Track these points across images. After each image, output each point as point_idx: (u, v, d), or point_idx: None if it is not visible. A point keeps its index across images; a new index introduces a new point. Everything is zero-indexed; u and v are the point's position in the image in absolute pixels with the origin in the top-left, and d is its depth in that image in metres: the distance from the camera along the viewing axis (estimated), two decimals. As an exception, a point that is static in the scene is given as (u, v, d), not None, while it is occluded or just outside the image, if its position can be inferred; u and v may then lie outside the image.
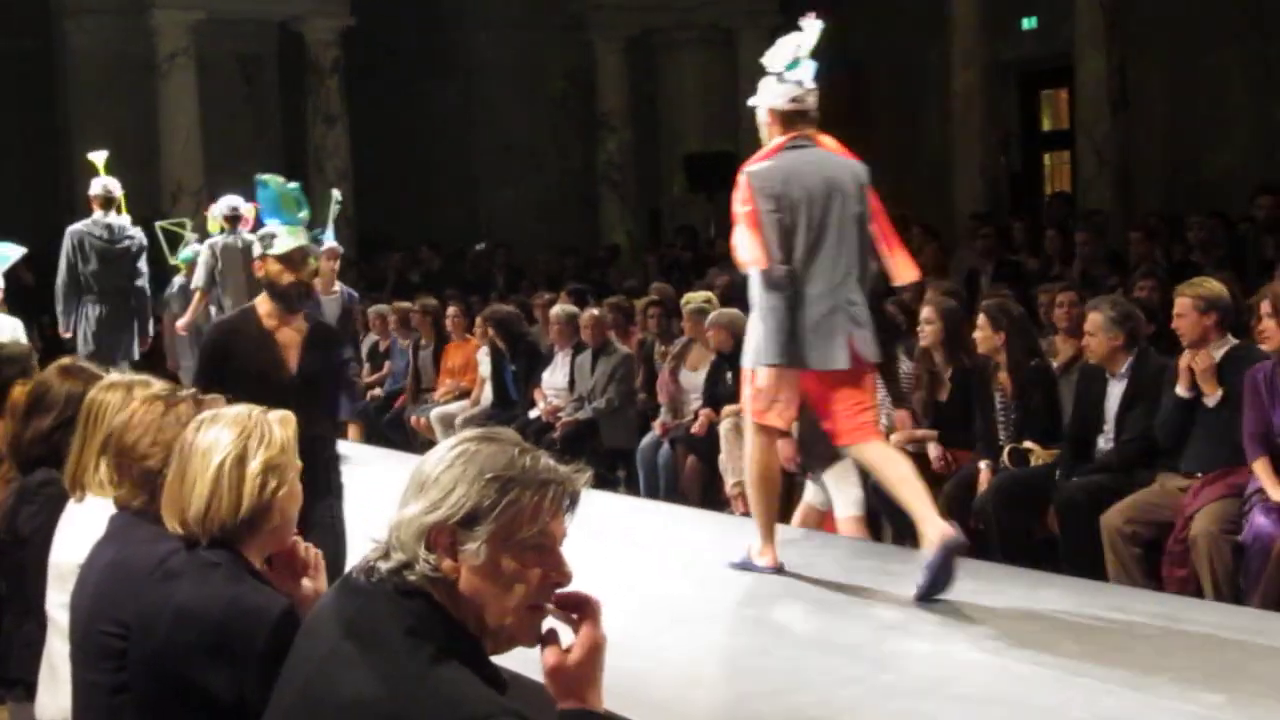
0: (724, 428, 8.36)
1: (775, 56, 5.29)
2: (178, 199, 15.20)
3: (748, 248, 5.10)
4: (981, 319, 7.04)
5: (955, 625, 4.72)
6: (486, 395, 10.75)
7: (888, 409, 7.21)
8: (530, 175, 18.51)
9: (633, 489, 9.18)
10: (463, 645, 2.18)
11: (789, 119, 5.22)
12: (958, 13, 14.15)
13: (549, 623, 2.28)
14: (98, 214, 10.01)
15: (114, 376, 3.47)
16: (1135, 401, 6.36)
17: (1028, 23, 15.35)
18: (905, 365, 7.46)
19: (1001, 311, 7.08)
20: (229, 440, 2.71)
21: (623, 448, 9.51)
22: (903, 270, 5.42)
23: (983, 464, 6.87)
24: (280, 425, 2.79)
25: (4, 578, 3.88)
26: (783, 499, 8.06)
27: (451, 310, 11.57)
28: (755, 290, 5.18)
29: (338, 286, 9.66)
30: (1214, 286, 6.16)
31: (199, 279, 10.35)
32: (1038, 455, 6.82)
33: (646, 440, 9.17)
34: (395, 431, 11.33)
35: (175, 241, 11.49)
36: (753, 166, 5.15)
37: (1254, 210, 10.42)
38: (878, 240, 5.29)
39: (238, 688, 2.55)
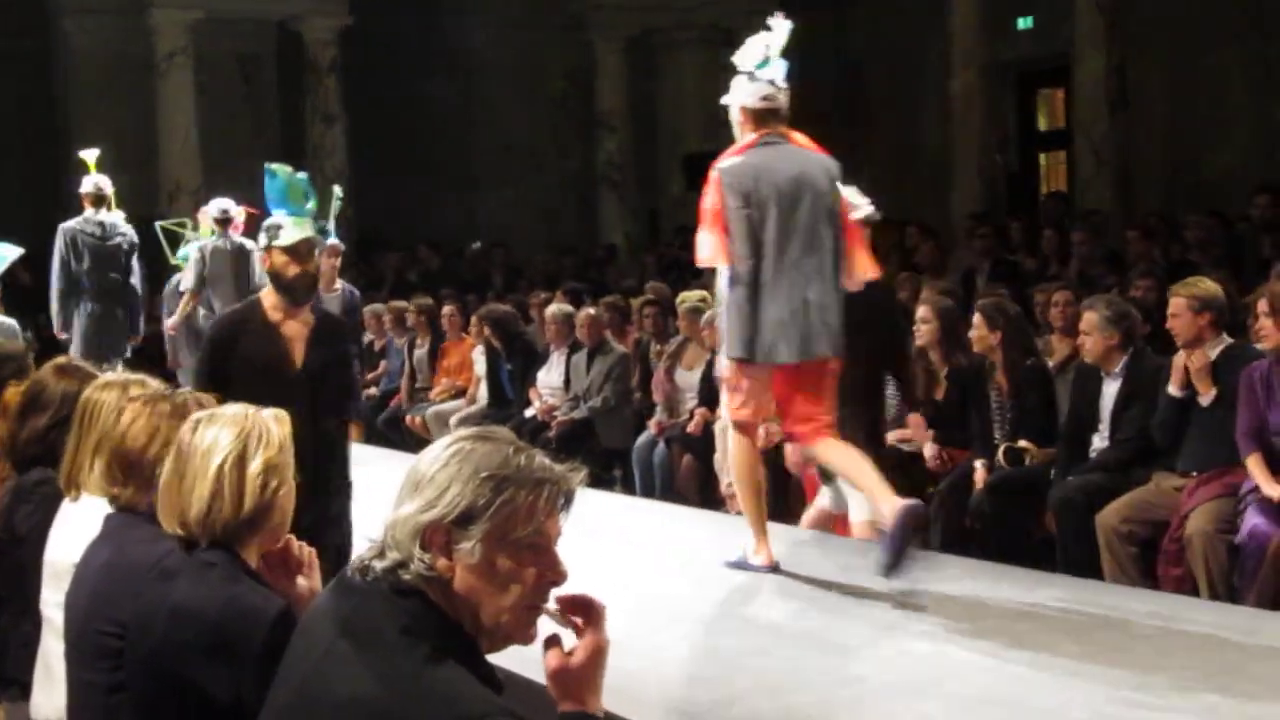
0: (719, 427, 8.35)
1: (746, 56, 5.34)
2: (176, 198, 15.20)
3: (707, 245, 5.21)
4: (978, 318, 7.05)
5: (952, 625, 4.73)
6: (482, 394, 10.76)
7: (895, 411, 7.21)
8: (529, 175, 18.50)
9: (629, 488, 9.18)
10: (458, 644, 2.18)
11: (761, 117, 5.27)
12: (956, 13, 14.15)
13: (553, 628, 2.28)
14: (89, 211, 10.06)
15: (109, 376, 3.46)
16: (1131, 401, 6.36)
17: (1024, 23, 15.36)
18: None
19: (998, 311, 7.09)
20: (228, 441, 2.71)
21: (618, 447, 9.51)
22: (861, 268, 5.45)
23: (978, 463, 6.88)
24: (277, 424, 2.80)
25: (0, 577, 3.87)
26: (778, 498, 8.08)
27: (448, 309, 11.57)
28: (722, 286, 5.25)
29: (339, 284, 9.65)
30: (1208, 286, 6.16)
31: (188, 280, 10.44)
32: (1033, 455, 6.83)
33: (642, 439, 9.17)
34: (391, 431, 11.34)
35: (176, 241, 11.50)
36: (724, 163, 5.22)
37: (1252, 210, 10.43)
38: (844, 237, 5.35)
39: (234, 688, 2.55)
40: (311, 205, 5.19)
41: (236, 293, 10.27)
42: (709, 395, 8.66)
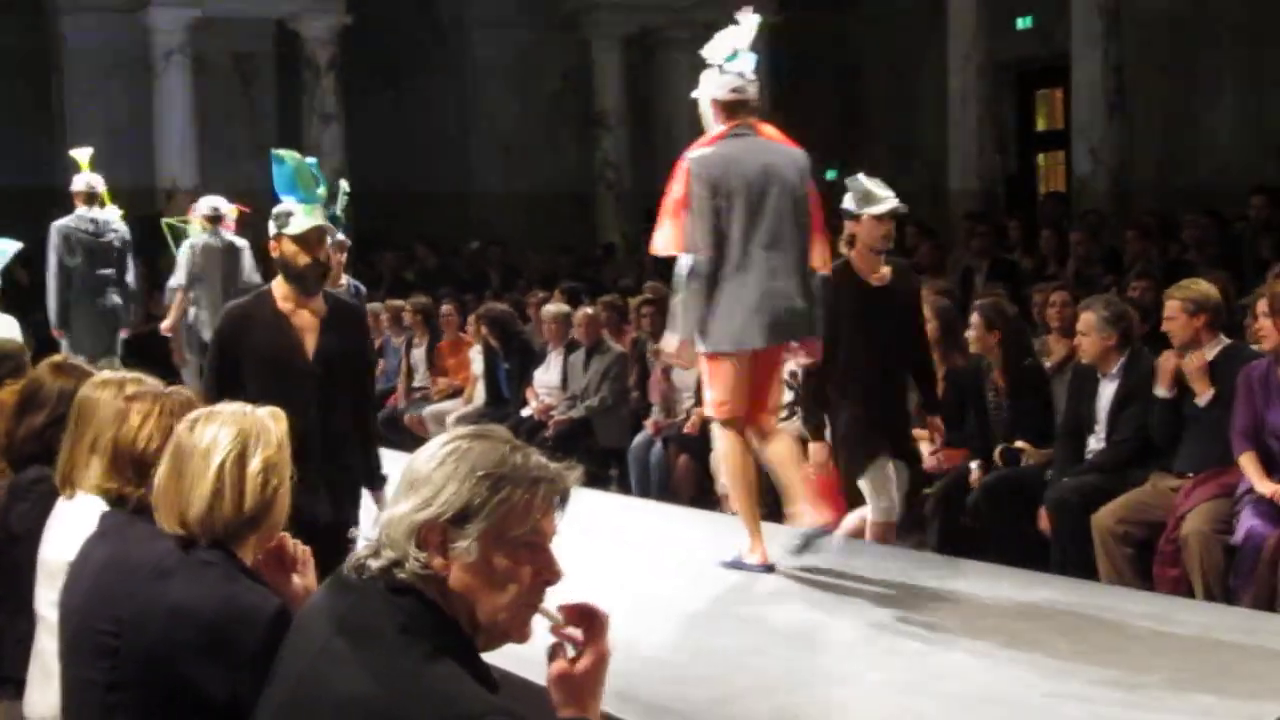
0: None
1: (715, 49, 5.43)
2: (172, 196, 15.19)
3: (664, 234, 5.33)
4: (975, 318, 7.05)
5: (948, 625, 4.73)
6: (479, 394, 10.75)
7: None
8: (525, 173, 18.50)
9: (625, 488, 9.18)
10: (455, 643, 2.18)
11: (730, 109, 5.36)
12: (954, 13, 14.16)
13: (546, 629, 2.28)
14: (82, 209, 10.14)
15: (106, 374, 3.45)
16: (1128, 401, 6.37)
17: (1023, 23, 15.36)
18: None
19: (996, 311, 7.09)
20: (228, 439, 2.71)
21: (615, 446, 9.51)
22: (819, 260, 5.57)
23: (975, 463, 6.88)
24: (274, 421, 2.80)
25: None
26: (776, 497, 8.08)
27: (445, 308, 11.57)
28: (680, 274, 5.34)
29: (344, 279, 9.65)
30: (1203, 288, 6.17)
31: (179, 278, 10.52)
32: (1030, 455, 6.84)
33: (639, 439, 9.17)
34: (388, 430, 11.31)
35: (181, 237, 11.54)
36: (694, 152, 5.32)
37: (1248, 211, 10.44)
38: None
39: (231, 686, 2.54)
40: (322, 191, 4.97)
41: (224, 290, 10.36)
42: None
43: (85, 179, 10.18)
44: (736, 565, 5.50)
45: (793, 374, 8.34)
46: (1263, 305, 5.79)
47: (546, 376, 10.11)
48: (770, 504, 8.07)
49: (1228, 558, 5.65)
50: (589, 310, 9.95)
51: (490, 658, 2.26)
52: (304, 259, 4.76)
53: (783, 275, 5.27)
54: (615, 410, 9.59)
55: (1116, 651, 4.41)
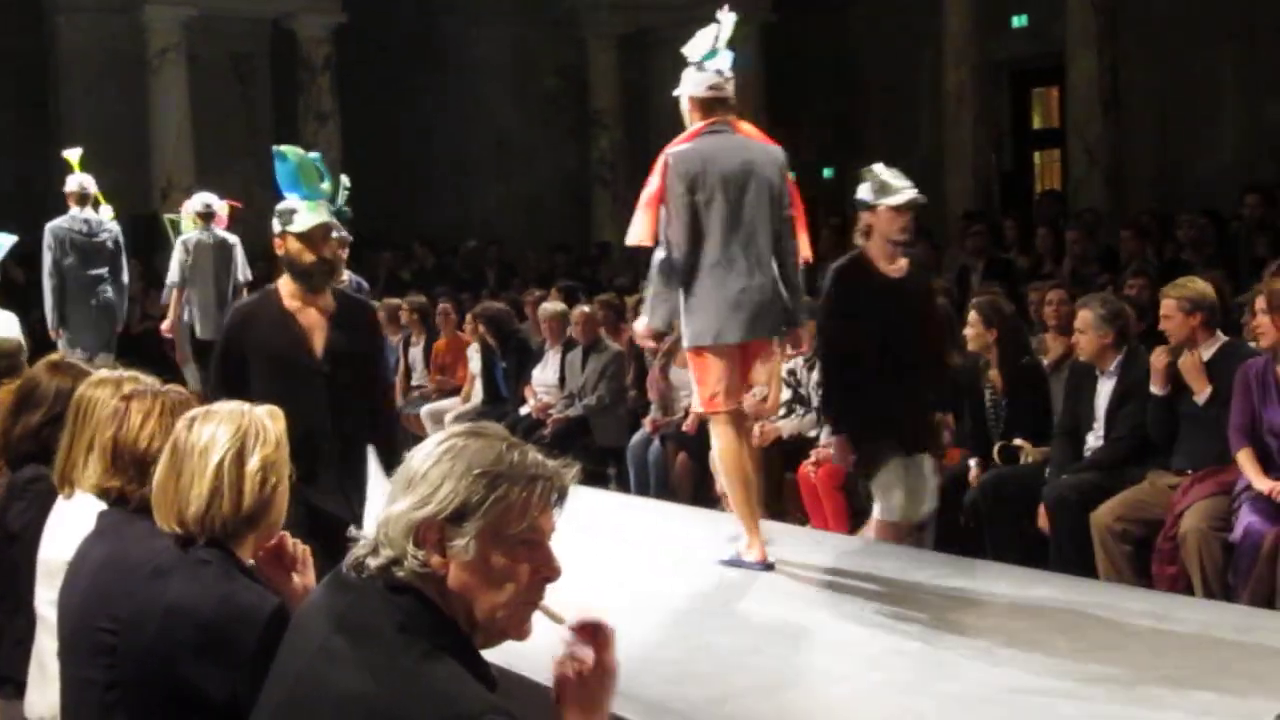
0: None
1: (694, 47, 5.51)
2: (168, 195, 15.18)
3: (637, 225, 5.42)
4: (973, 316, 7.04)
5: (946, 623, 4.73)
6: (477, 392, 10.75)
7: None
8: (522, 172, 18.49)
9: (623, 486, 9.18)
10: (453, 641, 2.17)
11: (708, 105, 5.44)
12: (950, 12, 14.16)
13: (551, 626, 2.28)
14: (75, 210, 10.20)
15: (103, 373, 3.45)
16: (1125, 399, 6.37)
17: (1019, 21, 15.37)
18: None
19: (993, 309, 7.09)
20: (226, 438, 2.70)
21: (613, 445, 9.50)
22: (801, 250, 5.66)
23: (973, 461, 6.88)
24: (272, 420, 2.79)
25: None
26: (774, 496, 8.06)
27: (442, 307, 11.56)
28: (654, 266, 5.43)
29: (346, 275, 9.65)
30: (1198, 286, 6.17)
31: (173, 276, 10.62)
32: (1028, 453, 6.84)
33: (637, 437, 9.17)
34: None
35: (181, 233, 11.57)
36: (673, 149, 5.38)
37: (1243, 210, 10.45)
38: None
39: (229, 686, 2.54)
40: (326, 186, 4.87)
41: (217, 287, 10.45)
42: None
43: (78, 180, 10.23)
44: (735, 563, 5.50)
45: (790, 372, 8.36)
46: (1261, 302, 5.79)
47: (544, 375, 10.11)
48: (768, 503, 8.09)
49: (1226, 555, 5.65)
50: (586, 309, 9.95)
51: (489, 655, 2.26)
52: (309, 256, 4.69)
53: (760, 271, 5.35)
54: (613, 409, 9.58)
55: (1115, 649, 4.41)
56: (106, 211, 10.47)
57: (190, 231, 10.60)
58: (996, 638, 4.54)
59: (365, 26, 16.81)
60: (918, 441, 5.89)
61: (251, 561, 2.79)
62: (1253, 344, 6.09)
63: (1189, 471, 6.02)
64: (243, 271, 10.90)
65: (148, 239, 14.71)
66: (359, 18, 16.70)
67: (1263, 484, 5.57)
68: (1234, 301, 7.23)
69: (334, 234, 4.79)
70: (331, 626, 2.18)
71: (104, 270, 10.30)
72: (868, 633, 4.71)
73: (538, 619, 2.26)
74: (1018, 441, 6.86)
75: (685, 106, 5.51)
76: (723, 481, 5.63)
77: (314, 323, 4.72)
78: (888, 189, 5.75)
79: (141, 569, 2.71)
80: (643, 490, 8.84)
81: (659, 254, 5.40)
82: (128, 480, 2.98)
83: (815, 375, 8.26)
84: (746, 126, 5.55)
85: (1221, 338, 6.14)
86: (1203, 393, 6.00)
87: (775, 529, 6.17)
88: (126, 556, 2.77)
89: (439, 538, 2.16)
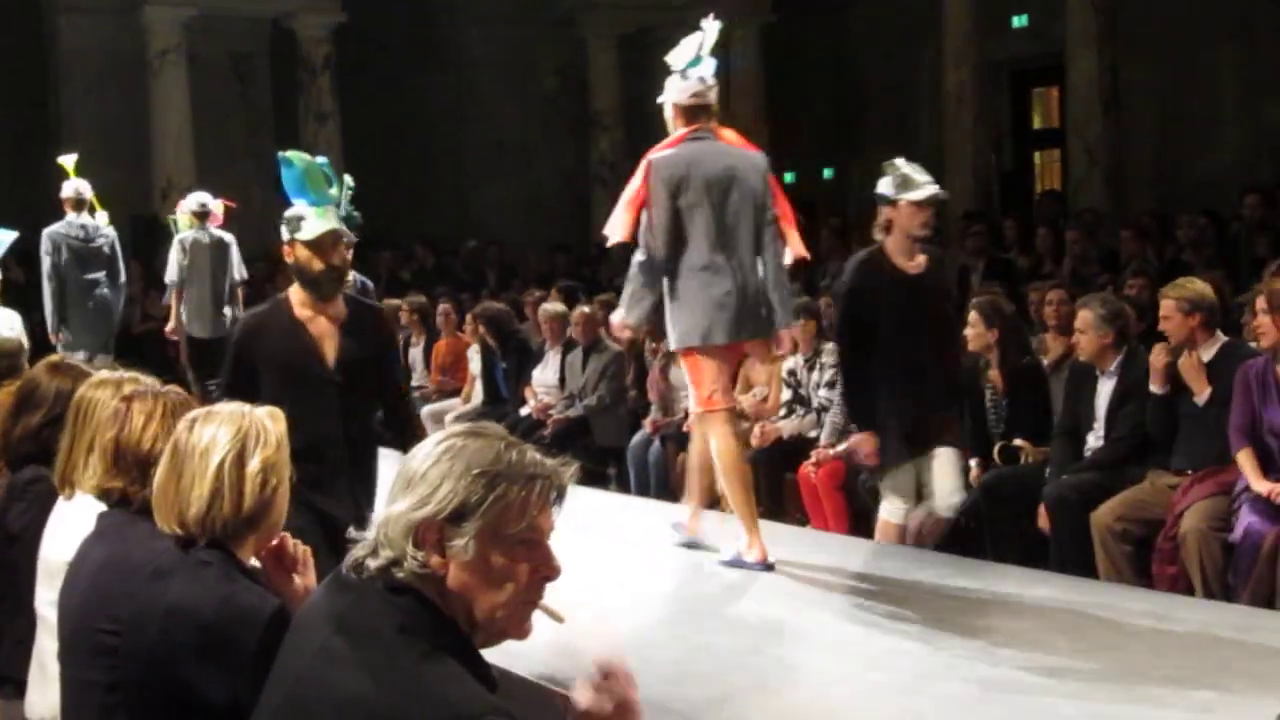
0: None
1: (678, 55, 5.57)
2: (169, 196, 15.19)
3: (615, 222, 5.51)
4: (974, 316, 7.04)
5: (945, 623, 4.73)
6: (477, 393, 10.75)
7: None
8: (521, 172, 18.49)
9: (623, 486, 9.18)
10: (453, 642, 2.17)
11: (691, 113, 5.51)
12: (950, 12, 14.16)
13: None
14: (71, 216, 10.31)
15: (104, 374, 3.45)
16: (1125, 399, 6.37)
17: (1019, 21, 15.37)
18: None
19: (993, 309, 7.09)
20: (227, 439, 2.70)
21: (613, 445, 9.50)
22: (794, 248, 5.68)
23: (973, 462, 6.88)
24: (273, 421, 2.79)
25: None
26: (774, 497, 8.06)
27: (443, 307, 11.56)
28: (634, 266, 5.50)
29: (351, 275, 9.65)
30: (1197, 287, 6.16)
31: (172, 275, 10.73)
32: (1028, 453, 6.84)
33: (637, 438, 9.17)
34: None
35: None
36: (656, 154, 5.46)
37: (1242, 210, 10.45)
38: (780, 221, 5.59)
39: (230, 687, 2.54)
40: (335, 191, 4.73)
41: (213, 286, 10.54)
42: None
43: (74, 185, 10.34)
44: (735, 564, 5.50)
45: (791, 372, 8.36)
46: (1261, 302, 5.79)
47: (544, 375, 10.11)
48: (768, 504, 8.09)
49: (1226, 555, 5.65)
50: (586, 309, 9.95)
51: (489, 655, 2.26)
52: (318, 264, 4.59)
53: (745, 273, 5.42)
54: (613, 409, 9.58)
55: (1115, 649, 4.41)
56: (102, 217, 10.56)
57: (186, 231, 10.67)
58: (997, 638, 4.54)
59: (365, 26, 16.81)
60: (932, 438, 5.83)
61: (254, 563, 2.79)
62: (1253, 344, 6.09)
63: (1189, 472, 6.02)
64: (239, 270, 10.98)
65: (148, 239, 14.73)
66: (359, 18, 16.70)
67: (1261, 486, 5.57)
68: (1234, 302, 7.24)
69: (344, 240, 4.67)
70: (331, 627, 2.18)
71: (100, 274, 10.43)
72: (867, 633, 4.70)
73: (538, 618, 2.26)
74: (1018, 441, 6.86)
75: (669, 113, 5.58)
76: (721, 481, 5.62)
77: (325, 332, 4.64)
78: (909, 183, 5.75)
79: (142, 570, 2.71)
80: (643, 490, 8.84)
81: (639, 256, 5.49)
82: (130, 481, 2.98)
83: (815, 375, 8.26)
84: (728, 133, 5.63)
85: (1221, 338, 6.14)
86: (1202, 394, 6.00)
87: (775, 529, 6.17)
88: (127, 557, 2.78)
89: (438, 538, 2.16)
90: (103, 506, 3.04)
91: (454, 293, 12.72)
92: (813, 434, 8.15)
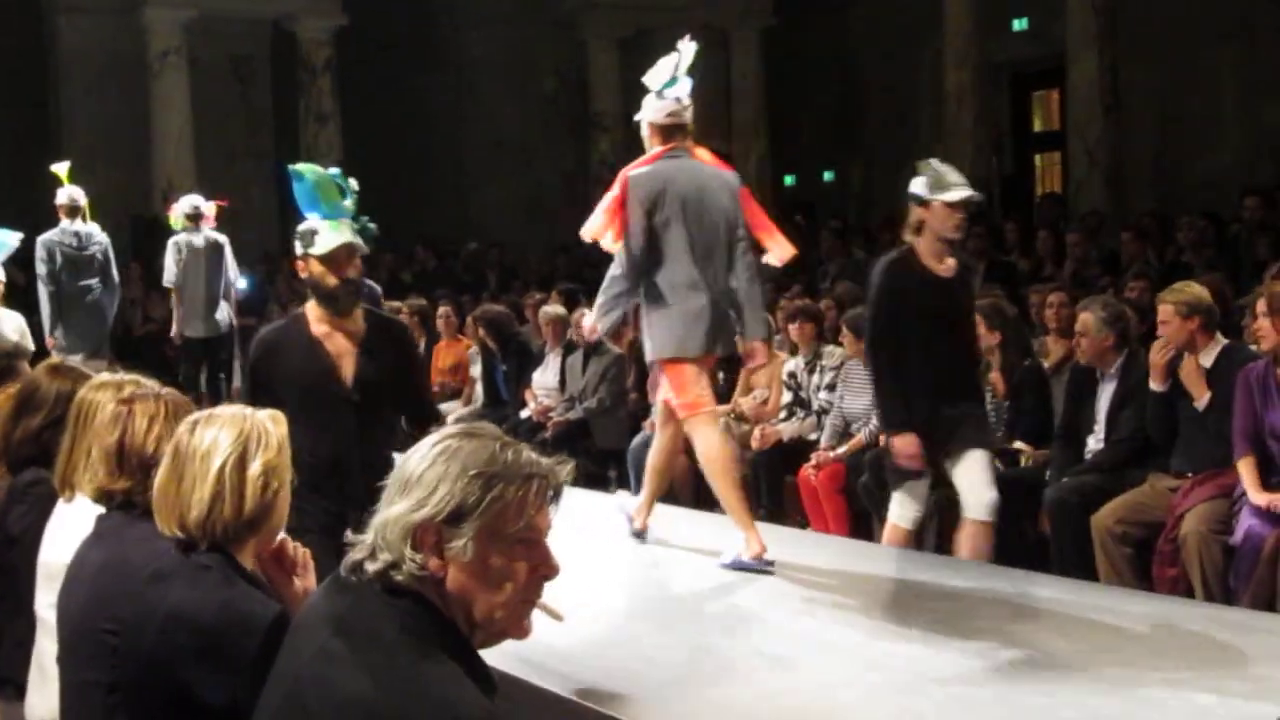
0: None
1: (655, 76, 5.68)
2: (169, 197, 15.22)
3: (593, 223, 5.61)
4: (976, 318, 7.02)
5: (946, 625, 4.73)
6: (478, 395, 10.75)
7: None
8: (521, 172, 18.50)
9: (624, 488, 9.16)
10: (453, 644, 2.17)
11: (667, 132, 5.63)
12: (950, 13, 14.17)
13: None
14: (65, 222, 10.40)
15: (104, 376, 3.45)
16: (1126, 401, 6.36)
17: (1019, 24, 15.38)
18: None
19: (996, 311, 7.09)
20: (228, 442, 2.70)
21: (614, 448, 9.50)
22: (781, 250, 5.78)
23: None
24: (275, 424, 2.79)
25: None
26: (774, 498, 8.06)
27: (443, 310, 11.56)
28: (614, 267, 5.58)
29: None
30: (1195, 290, 6.15)
31: (169, 277, 10.86)
32: (1029, 455, 6.83)
33: (638, 440, 9.14)
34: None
35: None
36: (633, 171, 5.58)
37: (1243, 212, 10.45)
38: (756, 232, 5.69)
39: (229, 692, 2.54)
40: (349, 203, 4.58)
41: (208, 288, 10.63)
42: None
43: (68, 193, 10.45)
44: (736, 565, 5.49)
45: (791, 375, 8.36)
46: (1261, 305, 5.78)
47: (545, 378, 10.11)
48: (769, 505, 8.09)
49: (1227, 558, 5.64)
50: (587, 311, 9.94)
51: (490, 657, 2.26)
52: (333, 279, 4.46)
53: (718, 288, 5.51)
54: (613, 411, 9.58)
55: (1115, 652, 4.40)
56: (94, 224, 10.63)
57: (180, 234, 10.79)
58: (997, 640, 4.53)
59: (365, 27, 16.82)
60: (964, 440, 5.71)
61: (253, 566, 2.79)
62: (1253, 347, 6.08)
63: (1189, 474, 6.01)
64: (234, 271, 11.08)
65: (148, 240, 14.73)
66: (359, 19, 16.72)
67: (1260, 498, 5.55)
68: (1235, 304, 7.23)
69: (359, 253, 4.52)
70: (331, 629, 2.18)
71: (94, 280, 10.53)
72: (868, 634, 4.70)
73: (537, 617, 2.26)
74: (1018, 444, 6.86)
75: (645, 131, 5.70)
76: (713, 483, 5.65)
77: (343, 349, 4.51)
78: (943, 183, 5.65)
79: (141, 572, 2.71)
80: (643, 493, 8.82)
81: (614, 269, 5.60)
82: (135, 483, 2.97)
83: (816, 378, 8.26)
84: (702, 152, 5.72)
85: (1222, 341, 6.12)
86: (1202, 398, 5.99)
87: (776, 532, 6.16)
88: (126, 560, 2.78)
89: (436, 540, 2.16)
90: (103, 509, 3.04)
91: (454, 295, 12.72)
92: (813, 437, 8.15)
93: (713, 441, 5.57)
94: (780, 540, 5.79)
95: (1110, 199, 12.89)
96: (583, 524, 5.38)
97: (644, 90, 5.73)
